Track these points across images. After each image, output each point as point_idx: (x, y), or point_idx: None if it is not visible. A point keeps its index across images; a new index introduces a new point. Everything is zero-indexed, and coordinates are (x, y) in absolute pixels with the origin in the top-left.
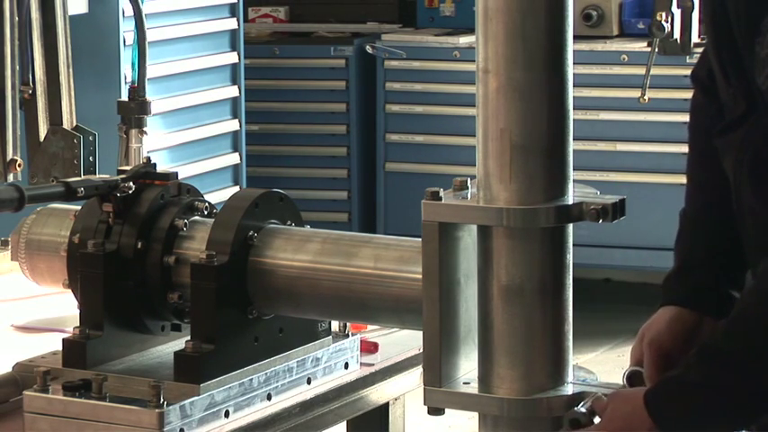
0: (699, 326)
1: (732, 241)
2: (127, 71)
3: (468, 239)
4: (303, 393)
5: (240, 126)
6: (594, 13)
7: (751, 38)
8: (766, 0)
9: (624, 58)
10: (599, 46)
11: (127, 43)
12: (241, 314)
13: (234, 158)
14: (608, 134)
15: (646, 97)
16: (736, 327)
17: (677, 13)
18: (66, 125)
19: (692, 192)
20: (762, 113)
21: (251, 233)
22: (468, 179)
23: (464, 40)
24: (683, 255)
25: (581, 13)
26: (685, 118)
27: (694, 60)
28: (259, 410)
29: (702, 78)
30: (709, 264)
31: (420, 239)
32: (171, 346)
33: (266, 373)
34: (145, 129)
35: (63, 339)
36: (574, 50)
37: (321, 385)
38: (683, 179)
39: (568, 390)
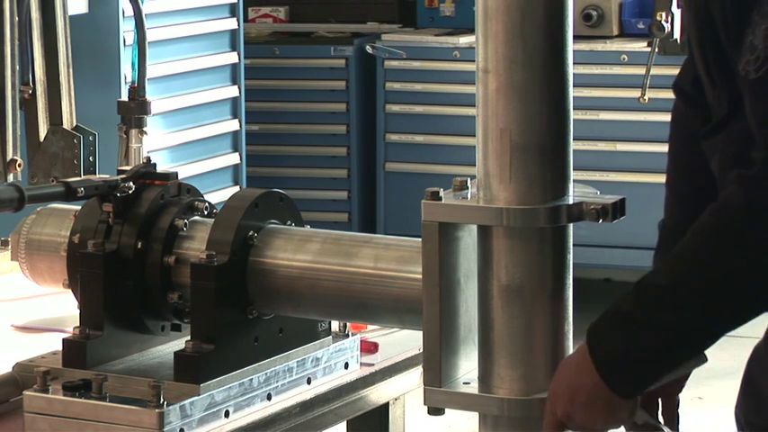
0: None
1: None
2: (127, 71)
3: (468, 239)
4: (303, 393)
5: (240, 126)
6: (594, 13)
7: (739, 34)
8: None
9: (624, 58)
10: (599, 46)
11: (127, 43)
12: (241, 314)
13: (234, 158)
14: (608, 134)
15: (646, 97)
16: (665, 264)
17: (677, 13)
18: (66, 125)
19: (672, 203)
20: (744, 114)
21: (251, 233)
22: (468, 179)
23: (464, 40)
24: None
25: (581, 13)
26: None
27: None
28: (259, 410)
29: (686, 88)
30: None
31: (420, 239)
32: (171, 346)
33: (266, 373)
34: (145, 129)
35: (63, 339)
36: (574, 50)
37: (321, 385)
38: None
39: None
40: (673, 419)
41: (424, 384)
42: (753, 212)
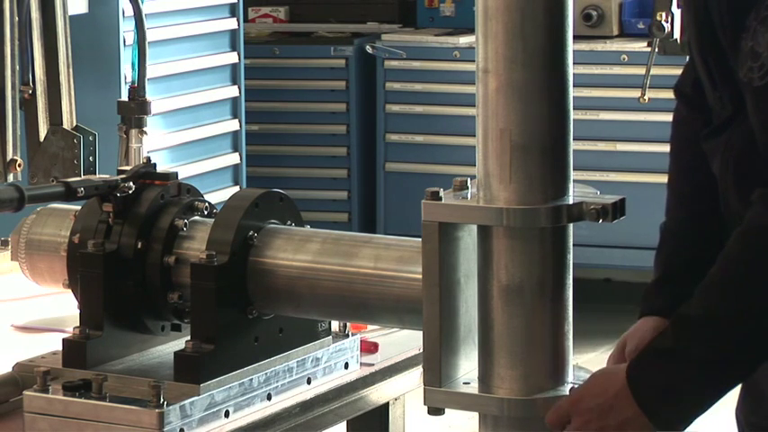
0: None
1: (714, 253)
2: (127, 71)
3: (468, 239)
4: (303, 393)
5: (240, 126)
6: (594, 13)
7: (736, 37)
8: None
9: (624, 58)
10: (599, 46)
11: (127, 43)
12: (241, 314)
13: (234, 158)
14: (608, 134)
15: (646, 97)
16: (701, 293)
17: (677, 13)
18: (66, 125)
19: (674, 205)
20: (746, 115)
21: (251, 233)
22: (468, 179)
23: (464, 40)
24: (664, 266)
25: (581, 13)
26: None
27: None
28: (259, 410)
29: (687, 91)
30: (689, 274)
31: (420, 239)
32: (171, 346)
33: (266, 373)
34: (145, 129)
35: (63, 339)
36: (574, 50)
37: (321, 385)
38: None
39: (568, 390)
40: None
41: (424, 384)
42: None
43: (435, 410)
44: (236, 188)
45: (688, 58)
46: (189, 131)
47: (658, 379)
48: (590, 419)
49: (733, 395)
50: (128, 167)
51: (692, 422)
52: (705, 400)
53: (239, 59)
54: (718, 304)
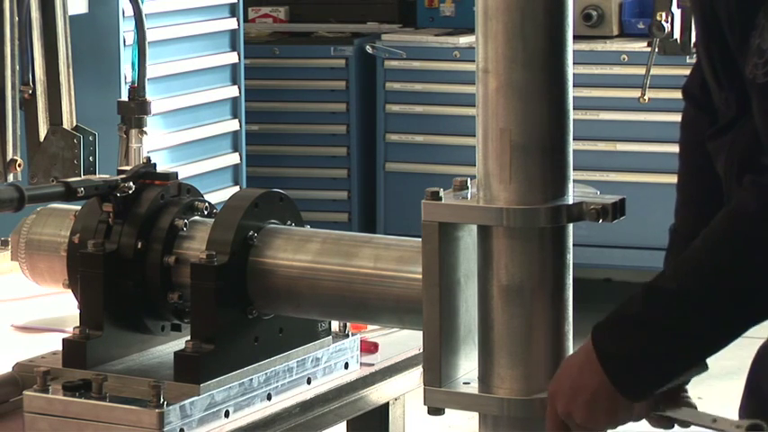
0: None
1: None
2: (127, 71)
3: (468, 239)
4: (303, 393)
5: (240, 126)
6: (594, 13)
7: (744, 35)
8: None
9: (624, 58)
10: (599, 46)
11: (127, 43)
12: (241, 314)
13: (234, 158)
14: (608, 134)
15: (646, 97)
16: (676, 268)
17: (677, 13)
18: (66, 125)
19: (683, 206)
20: (752, 115)
21: (251, 233)
22: (468, 179)
23: (464, 40)
24: None
25: (581, 13)
26: None
27: (695, 60)
28: (259, 410)
29: (694, 93)
30: None
31: (420, 239)
32: (171, 346)
33: (266, 373)
34: (145, 129)
35: (63, 339)
36: (574, 50)
37: (321, 385)
38: None
39: None
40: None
41: (424, 384)
42: (766, 219)
43: (435, 410)
44: (236, 188)
45: (695, 58)
46: (189, 131)
47: (623, 345)
48: (567, 403)
49: (736, 395)
50: (128, 167)
51: (654, 392)
52: (670, 372)
53: (239, 59)
54: (694, 281)
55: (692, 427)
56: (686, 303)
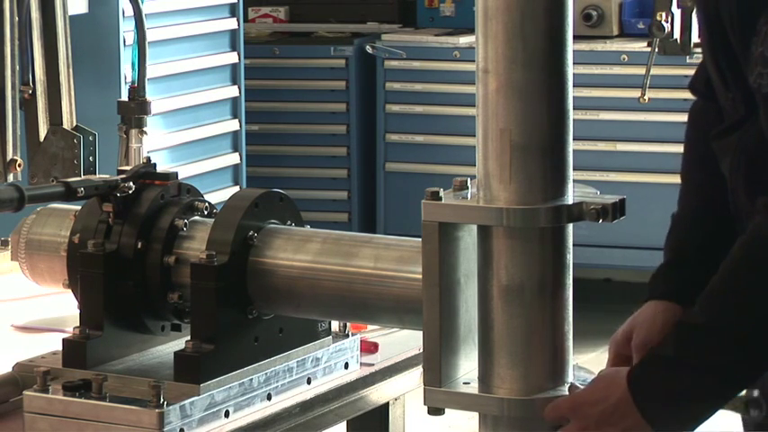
0: None
1: (724, 240)
2: (127, 71)
3: (468, 239)
4: (303, 393)
5: (240, 126)
6: (594, 13)
7: (747, 40)
8: (759, 2)
9: (624, 58)
10: (599, 46)
11: (127, 43)
12: (241, 314)
13: (234, 158)
14: (608, 134)
15: (646, 97)
16: (706, 301)
17: (677, 13)
18: (66, 125)
19: (686, 193)
20: (757, 117)
21: (251, 233)
22: (468, 179)
23: (464, 40)
24: (672, 251)
25: (581, 13)
26: (685, 118)
27: (694, 60)
28: (259, 410)
29: (700, 88)
30: (698, 260)
31: (420, 239)
32: (171, 346)
33: (266, 373)
34: (145, 129)
35: (63, 339)
36: (574, 50)
37: (321, 385)
38: None
39: (567, 389)
40: None
41: (424, 384)
42: None
43: (435, 410)
44: (236, 188)
45: (701, 58)
46: (189, 131)
47: (660, 387)
48: (589, 426)
49: None
50: (128, 167)
51: (694, 429)
52: (707, 408)
53: (239, 59)
54: (720, 312)
55: None
56: (715, 336)
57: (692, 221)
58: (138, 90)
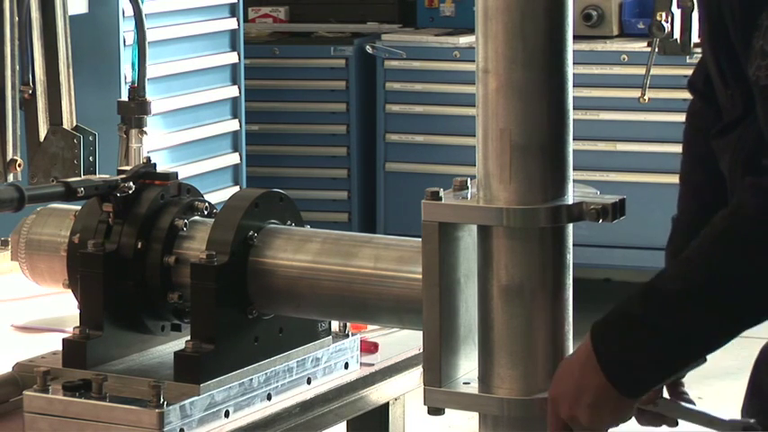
0: None
1: None
2: (127, 71)
3: (468, 239)
4: (303, 393)
5: (240, 126)
6: (594, 13)
7: (748, 36)
8: None
9: (624, 58)
10: (599, 46)
11: (127, 43)
12: (241, 314)
13: (234, 158)
14: (608, 134)
15: (646, 97)
16: (675, 268)
17: (677, 13)
18: (66, 125)
19: (685, 195)
20: (756, 115)
21: (251, 233)
22: (468, 179)
23: (464, 40)
24: (673, 257)
25: (581, 13)
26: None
27: (694, 60)
28: (259, 410)
29: (699, 86)
30: None
31: (420, 239)
32: (171, 346)
33: (266, 373)
34: (145, 129)
35: (63, 339)
36: (574, 50)
37: (321, 385)
38: None
39: None
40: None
41: (424, 384)
42: (766, 221)
43: (435, 410)
44: (236, 188)
45: (701, 55)
46: (189, 131)
47: (623, 344)
48: (571, 405)
49: (736, 395)
50: (128, 167)
51: (650, 389)
52: (668, 371)
53: (239, 59)
54: (693, 281)
55: (692, 428)
56: (684, 303)
57: (691, 225)
58: (138, 90)
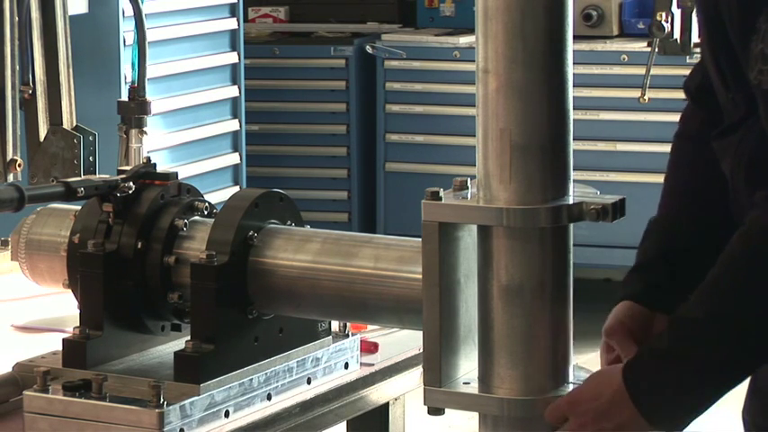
0: (650, 322)
1: (698, 242)
2: (127, 71)
3: (468, 239)
4: (303, 393)
5: (240, 126)
6: (594, 13)
7: (746, 39)
8: (759, 0)
9: (624, 58)
10: (599, 46)
11: (127, 43)
12: (241, 314)
13: (234, 158)
14: (608, 134)
15: (646, 97)
16: (700, 294)
17: (677, 13)
18: (66, 125)
19: (666, 196)
20: (757, 117)
21: (251, 233)
22: (468, 179)
23: (464, 40)
24: (641, 254)
25: (581, 13)
26: None
27: (694, 60)
28: (259, 410)
29: (691, 90)
30: (663, 262)
31: (420, 239)
32: (171, 346)
33: (266, 373)
34: (145, 129)
35: (63, 339)
36: (574, 50)
37: (321, 385)
38: None
39: (568, 390)
40: None
41: (424, 384)
42: None
43: (435, 410)
44: (236, 188)
45: (699, 57)
46: (189, 131)
47: (655, 380)
48: (586, 422)
49: (739, 395)
50: (128, 167)
51: (689, 423)
52: (703, 402)
53: (239, 59)
54: (718, 306)
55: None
56: (713, 329)
57: (660, 224)
58: (138, 90)
